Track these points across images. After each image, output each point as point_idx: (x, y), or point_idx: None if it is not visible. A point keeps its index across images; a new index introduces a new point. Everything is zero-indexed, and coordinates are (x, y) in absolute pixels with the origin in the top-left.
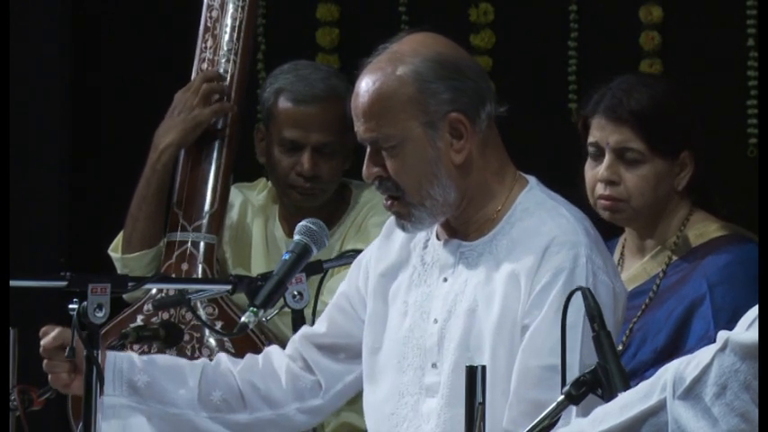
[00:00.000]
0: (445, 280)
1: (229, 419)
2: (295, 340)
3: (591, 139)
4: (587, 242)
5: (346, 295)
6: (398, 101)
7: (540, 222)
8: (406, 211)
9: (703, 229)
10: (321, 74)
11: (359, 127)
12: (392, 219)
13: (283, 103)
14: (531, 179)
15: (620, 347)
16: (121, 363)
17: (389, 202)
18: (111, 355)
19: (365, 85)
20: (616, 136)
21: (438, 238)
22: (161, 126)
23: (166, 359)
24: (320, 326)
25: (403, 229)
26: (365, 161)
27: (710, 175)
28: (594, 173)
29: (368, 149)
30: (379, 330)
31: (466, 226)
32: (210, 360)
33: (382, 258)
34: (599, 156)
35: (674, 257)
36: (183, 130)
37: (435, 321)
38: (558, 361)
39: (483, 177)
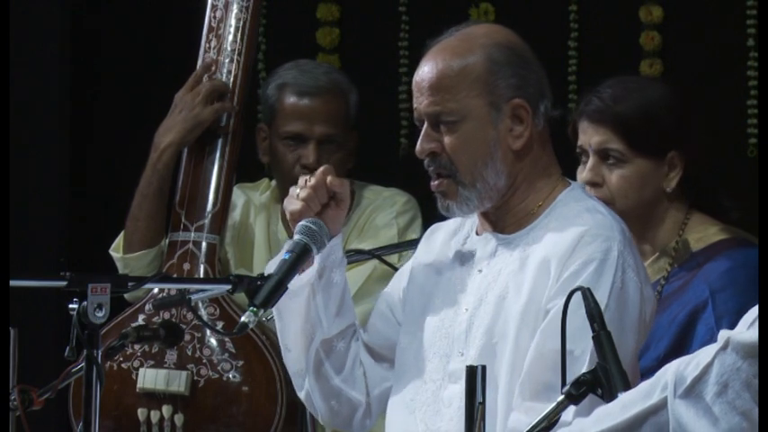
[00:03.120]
0: (480, 271)
1: (325, 370)
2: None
3: (578, 143)
4: (621, 239)
5: (387, 301)
6: (468, 78)
7: (576, 215)
8: (454, 190)
9: (703, 233)
10: (323, 69)
11: (422, 101)
12: (433, 226)
13: (287, 97)
14: (576, 183)
15: None
16: (335, 253)
17: (438, 181)
18: (334, 242)
19: (435, 60)
20: (597, 137)
21: (477, 233)
22: (162, 125)
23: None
24: (365, 330)
25: (447, 210)
26: (421, 137)
27: (708, 175)
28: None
29: (424, 126)
30: (414, 327)
31: (505, 218)
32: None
33: (422, 259)
34: (586, 159)
35: (675, 264)
36: (184, 129)
37: (466, 310)
38: (575, 347)
39: (532, 170)
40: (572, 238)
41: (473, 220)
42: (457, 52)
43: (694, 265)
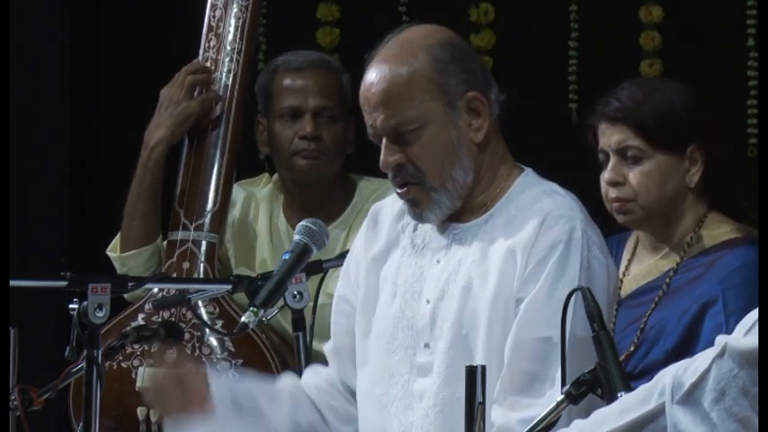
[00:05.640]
0: (438, 262)
1: None
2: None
3: (599, 146)
4: (582, 217)
5: (345, 298)
6: (418, 83)
7: (535, 199)
8: (424, 196)
9: (716, 231)
10: (314, 51)
11: (375, 118)
12: (375, 205)
13: (280, 77)
14: (528, 168)
15: (632, 348)
16: (225, 389)
17: (405, 189)
18: (217, 382)
19: (380, 72)
20: (615, 137)
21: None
22: (150, 123)
23: (255, 384)
24: (329, 343)
25: (419, 217)
26: (383, 151)
27: (729, 174)
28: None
29: (384, 140)
30: (370, 314)
31: (465, 208)
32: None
33: (371, 243)
34: (607, 161)
35: (686, 256)
36: (172, 125)
37: (427, 302)
38: (552, 333)
39: (493, 160)
40: (534, 223)
41: None
42: (401, 60)
43: (706, 260)
